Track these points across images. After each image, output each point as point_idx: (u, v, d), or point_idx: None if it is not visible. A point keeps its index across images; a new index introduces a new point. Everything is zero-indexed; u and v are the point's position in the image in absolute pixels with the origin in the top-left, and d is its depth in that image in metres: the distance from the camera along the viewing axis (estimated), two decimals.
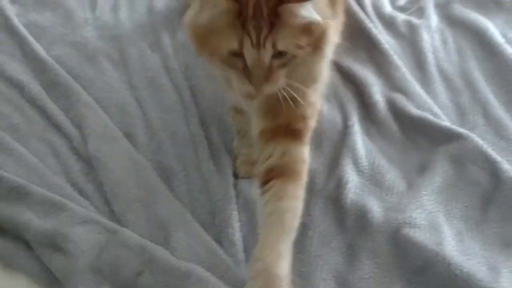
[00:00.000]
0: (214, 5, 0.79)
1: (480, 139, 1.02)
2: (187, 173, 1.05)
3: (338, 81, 1.18)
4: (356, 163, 1.04)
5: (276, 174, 0.88)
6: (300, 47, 0.82)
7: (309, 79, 0.90)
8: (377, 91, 1.17)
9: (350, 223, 0.94)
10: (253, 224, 0.95)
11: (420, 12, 1.39)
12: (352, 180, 1.00)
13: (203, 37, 0.84)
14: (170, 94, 1.22)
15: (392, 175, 1.01)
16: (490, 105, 1.13)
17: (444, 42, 1.31)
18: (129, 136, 1.13)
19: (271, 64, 0.82)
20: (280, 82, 0.84)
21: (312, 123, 0.96)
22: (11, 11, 1.46)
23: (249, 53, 0.80)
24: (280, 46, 0.80)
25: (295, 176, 0.89)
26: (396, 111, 1.12)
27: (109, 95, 1.23)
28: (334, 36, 0.99)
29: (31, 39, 1.36)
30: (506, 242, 0.89)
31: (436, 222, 0.91)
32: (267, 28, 0.79)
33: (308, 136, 0.94)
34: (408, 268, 0.87)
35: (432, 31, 1.33)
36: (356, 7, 1.37)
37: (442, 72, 1.23)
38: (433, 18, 1.37)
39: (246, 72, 0.82)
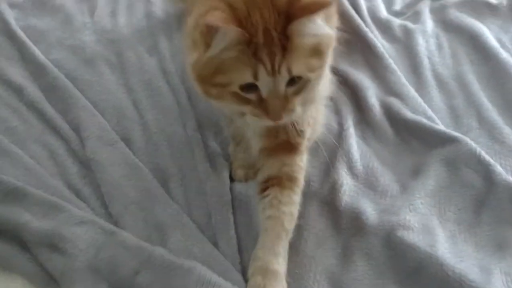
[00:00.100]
0: (223, 38, 0.76)
1: (474, 142, 1.02)
2: (183, 175, 1.06)
3: (334, 85, 1.19)
4: (350, 166, 1.04)
5: (275, 182, 0.95)
6: (312, 69, 0.81)
7: (308, 100, 0.88)
8: (373, 95, 1.18)
9: (345, 225, 0.95)
10: (248, 225, 0.96)
11: (416, 17, 1.41)
12: (347, 183, 1.01)
13: (211, 76, 0.80)
14: (167, 97, 1.23)
15: (386, 178, 1.02)
16: (484, 109, 1.14)
17: (439, 46, 1.32)
18: (126, 139, 1.14)
19: (286, 93, 0.80)
20: (296, 110, 0.83)
21: (310, 134, 0.99)
22: (10, 15, 1.47)
23: (264, 83, 0.78)
24: (295, 70, 0.78)
25: (292, 183, 0.95)
26: (391, 115, 1.13)
27: (106, 98, 1.24)
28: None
29: (29, 42, 1.37)
30: (499, 244, 0.89)
31: (430, 225, 0.91)
32: (280, 53, 0.77)
33: (305, 145, 0.99)
34: (401, 270, 0.87)
35: (427, 35, 1.34)
36: (352, 12, 1.38)
37: (437, 76, 1.24)
38: (429, 23, 1.38)
39: (262, 105, 0.80)
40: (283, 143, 0.97)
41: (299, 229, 0.94)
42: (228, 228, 0.95)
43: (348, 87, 1.21)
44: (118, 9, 1.52)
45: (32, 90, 1.25)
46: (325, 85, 1.00)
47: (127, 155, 1.09)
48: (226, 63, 0.78)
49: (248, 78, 0.78)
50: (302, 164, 0.98)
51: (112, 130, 1.15)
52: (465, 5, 1.42)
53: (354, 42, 1.30)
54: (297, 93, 0.82)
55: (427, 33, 1.35)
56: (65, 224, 0.93)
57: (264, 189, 0.95)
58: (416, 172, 1.01)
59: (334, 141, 1.06)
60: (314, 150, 1.05)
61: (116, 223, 0.97)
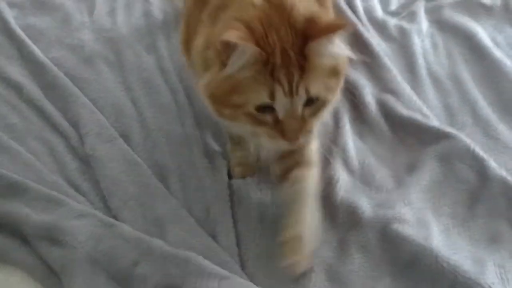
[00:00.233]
0: (240, 56, 0.73)
1: (468, 139, 1.04)
2: (182, 171, 1.07)
3: None
4: (347, 162, 1.06)
5: (293, 167, 0.94)
6: (330, 90, 0.79)
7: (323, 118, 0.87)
8: (368, 93, 1.19)
9: (341, 219, 0.96)
10: (247, 220, 0.98)
11: (411, 16, 1.42)
12: (343, 178, 1.02)
13: (225, 96, 0.78)
14: (165, 95, 1.24)
15: (381, 174, 1.03)
16: (478, 106, 1.15)
17: (434, 45, 1.34)
18: (124, 136, 1.15)
19: (303, 114, 0.78)
20: (314, 131, 0.82)
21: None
22: (9, 14, 1.48)
23: (281, 104, 0.76)
24: (313, 91, 0.77)
25: (309, 164, 0.95)
26: (387, 112, 1.14)
27: (105, 96, 1.25)
28: None
29: (29, 41, 1.38)
30: (492, 237, 0.91)
31: (424, 219, 0.93)
32: (298, 74, 0.75)
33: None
34: (397, 262, 0.89)
35: (422, 35, 1.36)
36: (348, 11, 1.40)
37: (432, 74, 1.26)
38: (424, 23, 1.40)
39: (278, 126, 0.78)
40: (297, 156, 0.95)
41: None
42: (226, 222, 0.97)
43: (344, 86, 1.21)
44: (116, 8, 1.53)
45: (32, 88, 1.26)
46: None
47: (126, 152, 1.10)
48: (242, 83, 0.76)
49: (264, 98, 0.76)
50: (314, 147, 0.97)
51: (111, 127, 1.16)
52: (460, 5, 1.44)
53: (350, 41, 1.31)
54: (314, 114, 0.80)
55: (422, 33, 1.36)
56: (64, 217, 0.95)
57: (284, 175, 0.95)
58: (411, 167, 1.03)
59: (330, 137, 1.08)
60: None
61: (115, 218, 0.98)
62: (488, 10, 1.42)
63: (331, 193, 1.00)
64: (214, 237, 0.95)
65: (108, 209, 1.01)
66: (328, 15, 0.92)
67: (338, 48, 0.78)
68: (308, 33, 0.75)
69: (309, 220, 0.89)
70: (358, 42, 1.31)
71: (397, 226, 0.91)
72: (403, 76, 1.24)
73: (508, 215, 0.93)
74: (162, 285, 0.84)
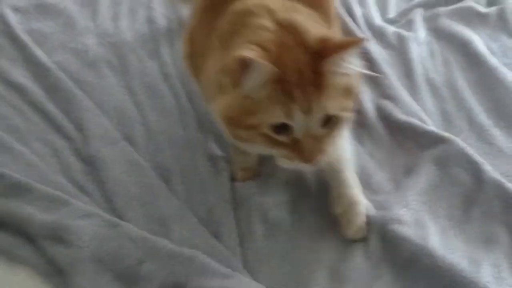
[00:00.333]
0: (256, 75, 0.73)
1: (464, 143, 1.06)
2: (185, 173, 1.09)
3: None
4: None
5: None
6: (345, 109, 0.80)
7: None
8: (367, 99, 1.22)
9: None
10: (248, 221, 1.00)
11: (409, 25, 1.45)
12: None
13: (241, 118, 0.77)
14: (168, 99, 1.26)
15: (380, 177, 1.05)
16: (474, 112, 1.18)
17: (432, 53, 1.36)
18: (128, 138, 1.17)
19: (320, 133, 0.78)
20: (330, 152, 0.82)
21: None
22: (13, 18, 1.51)
23: (298, 123, 0.76)
24: (330, 109, 0.76)
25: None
26: (385, 117, 1.16)
27: (108, 99, 1.27)
28: None
29: (32, 45, 1.41)
30: (487, 238, 0.93)
31: (421, 220, 0.95)
32: (314, 92, 0.75)
33: None
34: (397, 261, 0.91)
35: (420, 42, 1.39)
36: (347, 19, 1.43)
37: (429, 81, 1.28)
38: (421, 31, 1.42)
39: (295, 147, 0.78)
40: None
41: (298, 223, 0.99)
42: (229, 222, 0.99)
43: None
44: (120, 13, 1.56)
45: (35, 91, 1.28)
46: None
47: (129, 153, 1.12)
48: (258, 103, 0.76)
49: (281, 117, 0.75)
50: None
51: (114, 130, 1.18)
52: (456, 14, 1.46)
53: None
54: (330, 133, 0.80)
55: (419, 41, 1.39)
56: (69, 217, 0.96)
57: None
58: (409, 170, 1.05)
59: None
60: None
61: (119, 218, 1.00)
62: (483, 19, 1.44)
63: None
64: (217, 237, 0.97)
65: (112, 210, 1.02)
66: (339, 37, 0.95)
67: (353, 66, 0.78)
68: (322, 52, 0.75)
69: (356, 186, 0.97)
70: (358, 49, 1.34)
71: (396, 227, 0.93)
72: (401, 82, 1.26)
73: (503, 217, 0.95)
74: (167, 283, 0.86)
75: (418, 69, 1.30)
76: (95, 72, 1.35)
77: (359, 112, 1.19)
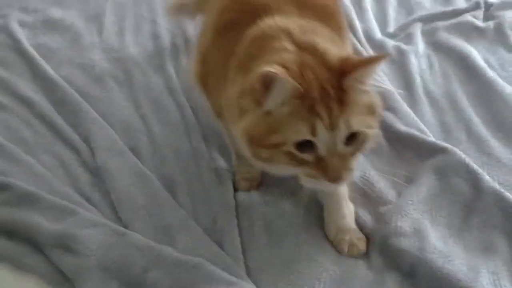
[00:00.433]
0: (279, 91, 0.73)
1: (463, 153, 1.08)
2: (189, 184, 1.11)
3: None
4: None
5: None
6: (369, 127, 0.78)
7: None
8: None
9: None
10: (251, 230, 1.02)
11: (409, 38, 1.48)
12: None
13: (263, 136, 0.76)
14: (173, 113, 1.29)
15: (381, 187, 1.07)
16: (472, 123, 1.20)
17: (431, 66, 1.39)
18: (134, 150, 1.19)
19: (345, 151, 0.77)
20: (355, 171, 0.80)
21: None
22: (21, 34, 1.55)
23: (322, 139, 0.74)
24: (354, 125, 0.75)
25: None
26: (386, 128, 1.18)
27: (115, 112, 1.30)
28: None
29: (40, 60, 1.44)
30: (486, 246, 0.94)
31: (421, 229, 0.96)
32: (337, 108, 0.74)
33: None
34: (397, 271, 0.92)
35: (419, 56, 1.42)
36: (348, 33, 1.46)
37: (428, 93, 1.31)
38: (420, 44, 1.46)
39: (320, 165, 0.76)
40: None
41: (301, 232, 1.00)
42: (232, 231, 1.00)
43: None
44: (125, 29, 1.59)
45: (43, 104, 1.31)
46: None
47: (135, 164, 1.15)
48: (281, 120, 0.75)
49: (305, 134, 0.74)
50: None
51: (120, 142, 1.20)
52: (454, 28, 1.50)
53: None
54: (355, 152, 0.79)
55: (419, 54, 1.42)
56: (76, 226, 0.98)
57: None
58: (409, 180, 1.06)
59: None
60: None
61: (125, 227, 1.02)
62: (481, 32, 1.48)
63: None
64: (220, 245, 0.98)
65: (118, 220, 1.04)
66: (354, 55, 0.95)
67: (375, 82, 0.78)
68: (344, 69, 0.75)
69: (349, 214, 0.99)
70: None
71: (393, 240, 0.95)
72: (401, 94, 1.29)
73: (502, 226, 0.97)
74: None
75: (418, 81, 1.33)
76: (102, 86, 1.39)
77: None
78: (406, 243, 0.94)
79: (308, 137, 0.75)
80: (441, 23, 1.52)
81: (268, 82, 0.73)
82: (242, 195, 1.08)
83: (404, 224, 0.97)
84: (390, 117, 1.21)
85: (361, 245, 0.97)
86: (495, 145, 1.14)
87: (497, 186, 1.02)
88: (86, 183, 1.13)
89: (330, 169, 0.76)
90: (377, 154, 1.15)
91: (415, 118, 1.21)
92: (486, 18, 1.54)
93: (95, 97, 1.34)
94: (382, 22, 1.58)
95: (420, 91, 1.31)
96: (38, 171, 1.13)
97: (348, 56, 0.79)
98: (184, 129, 1.24)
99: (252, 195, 1.08)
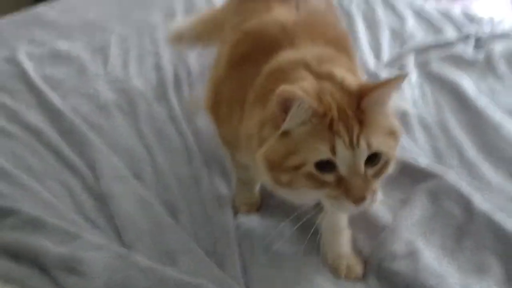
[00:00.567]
0: (298, 110, 0.73)
1: (455, 178, 1.12)
2: (191, 208, 1.14)
3: None
4: None
5: None
6: (391, 149, 0.77)
7: None
8: None
9: None
10: (251, 252, 1.05)
11: (402, 68, 1.53)
12: None
13: (283, 159, 0.76)
14: (175, 141, 1.34)
15: (376, 210, 1.10)
16: (464, 150, 1.24)
17: (423, 95, 1.44)
18: (137, 176, 1.23)
19: (366, 173, 0.76)
20: (379, 195, 0.79)
21: None
22: (29, 65, 1.60)
23: (343, 158, 0.73)
24: (375, 145, 0.74)
25: None
26: None
27: (119, 141, 1.34)
28: None
29: (47, 90, 1.49)
30: (479, 267, 0.97)
31: (415, 251, 0.99)
32: (357, 127, 0.74)
33: None
34: None
35: (412, 85, 1.47)
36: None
37: (421, 121, 1.35)
38: (414, 74, 1.51)
39: (341, 186, 0.75)
40: None
41: (301, 254, 1.03)
42: (232, 254, 1.03)
43: None
44: (129, 61, 1.65)
45: (50, 133, 1.35)
46: None
47: (138, 190, 1.18)
48: (300, 141, 0.75)
49: (325, 153, 0.73)
50: None
51: (124, 169, 1.24)
52: (446, 59, 1.56)
53: None
54: (377, 174, 0.78)
55: (412, 83, 1.47)
56: (81, 249, 1.01)
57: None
58: (404, 203, 1.10)
59: None
60: None
61: (129, 250, 1.04)
62: (472, 63, 1.54)
63: None
64: (221, 268, 1.01)
65: (122, 243, 1.07)
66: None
67: (394, 104, 0.78)
68: (363, 92, 0.75)
69: (346, 242, 1.02)
70: None
71: (389, 263, 0.98)
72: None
73: (494, 248, 1.00)
74: None
75: (411, 110, 1.38)
76: (106, 116, 1.43)
77: None
78: (401, 265, 0.97)
79: (328, 156, 0.74)
80: (433, 54, 1.58)
81: (286, 102, 0.73)
82: (242, 219, 1.12)
83: (398, 247, 1.00)
84: None
85: (358, 269, 1.00)
86: (486, 170, 1.18)
87: (489, 209, 1.05)
88: (90, 208, 1.16)
89: (352, 189, 0.75)
90: None
91: (409, 144, 1.25)
92: (477, 49, 1.60)
93: (100, 126, 1.39)
94: (376, 52, 1.64)
95: (413, 119, 1.35)
96: (44, 197, 1.16)
97: (364, 83, 0.80)
98: (186, 156, 1.28)
99: (252, 219, 1.12)
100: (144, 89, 1.53)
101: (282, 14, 1.02)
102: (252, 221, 1.11)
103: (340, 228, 1.03)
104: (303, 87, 0.76)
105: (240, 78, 0.94)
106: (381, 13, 1.84)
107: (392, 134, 0.79)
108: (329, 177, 0.75)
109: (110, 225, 1.12)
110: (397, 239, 1.02)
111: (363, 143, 0.74)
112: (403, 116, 1.36)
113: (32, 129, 1.37)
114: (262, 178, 0.86)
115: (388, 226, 1.07)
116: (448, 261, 0.98)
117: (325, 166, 0.75)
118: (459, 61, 1.55)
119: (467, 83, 1.45)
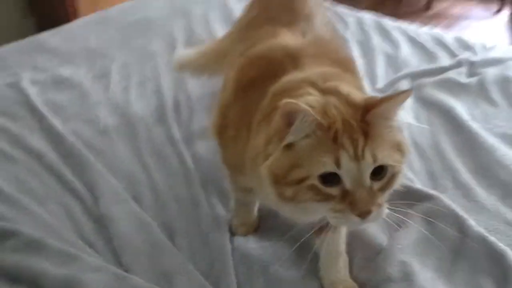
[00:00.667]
0: (302, 123, 0.73)
1: (449, 200, 1.13)
2: (188, 230, 1.16)
3: None
4: None
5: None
6: (397, 162, 0.77)
7: None
8: None
9: None
10: (248, 273, 1.05)
11: None
12: None
13: (287, 172, 0.75)
14: (174, 163, 1.36)
15: (372, 231, 1.12)
16: (458, 172, 1.26)
17: (418, 119, 1.47)
18: (136, 199, 1.25)
19: (372, 187, 0.75)
20: (385, 209, 0.78)
21: None
22: (32, 90, 1.63)
23: (348, 171, 0.73)
24: (381, 158, 0.73)
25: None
26: None
27: (118, 164, 1.36)
28: None
29: (49, 115, 1.52)
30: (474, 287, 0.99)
31: (410, 273, 1.00)
32: (362, 139, 0.73)
33: None
34: None
35: (407, 110, 1.50)
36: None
37: (416, 144, 1.37)
38: (408, 99, 1.53)
39: (346, 199, 0.74)
40: None
41: (298, 277, 1.04)
42: (229, 275, 1.04)
43: None
44: (130, 86, 1.69)
45: (51, 157, 1.37)
46: None
47: (136, 212, 1.20)
48: (304, 153, 0.74)
49: (329, 165, 0.72)
50: None
51: (123, 191, 1.26)
52: (440, 84, 1.59)
53: None
54: (383, 188, 0.77)
55: (406, 108, 1.50)
56: (80, 271, 1.01)
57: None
58: (399, 226, 1.11)
59: None
60: None
61: (126, 271, 1.05)
62: (465, 88, 1.57)
63: None
64: None
65: (120, 265, 1.08)
66: None
67: (400, 118, 0.78)
68: (368, 105, 0.75)
69: (343, 268, 1.02)
70: None
71: (384, 287, 0.99)
72: None
73: (488, 269, 1.01)
74: None
75: (406, 133, 1.40)
76: (107, 140, 1.46)
77: None
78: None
79: (332, 169, 0.73)
80: (427, 80, 1.62)
81: (289, 116, 0.74)
82: (239, 240, 1.13)
83: (393, 269, 1.01)
84: None
85: None
86: (480, 192, 1.20)
87: (483, 231, 1.07)
88: (90, 230, 1.17)
89: (357, 202, 0.73)
90: None
91: (404, 167, 1.27)
92: (469, 74, 1.64)
93: (100, 149, 1.41)
94: (371, 78, 1.67)
95: (408, 142, 1.37)
96: (45, 219, 1.18)
97: (370, 97, 0.80)
98: (184, 177, 1.30)
99: (249, 240, 1.13)
100: (144, 114, 1.56)
101: (288, 40, 1.05)
102: (249, 243, 1.12)
103: (338, 253, 1.04)
104: (307, 101, 0.77)
105: (246, 102, 0.95)
106: (376, 40, 1.88)
107: (399, 148, 0.78)
108: (334, 191, 0.75)
109: (109, 247, 1.13)
110: (392, 261, 1.03)
111: (368, 156, 0.73)
112: None
113: (33, 153, 1.39)
114: (266, 198, 0.87)
115: (384, 248, 1.08)
116: (443, 283, 0.99)
117: (330, 179, 0.74)
118: (453, 86, 1.58)
119: (461, 107, 1.48)
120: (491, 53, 1.74)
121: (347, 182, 0.74)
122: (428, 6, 3.78)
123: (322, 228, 0.96)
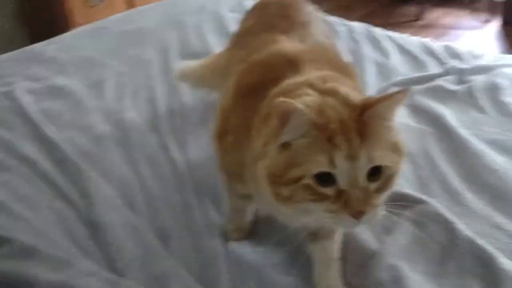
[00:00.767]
0: (297, 122, 0.74)
1: (439, 204, 1.15)
2: (181, 235, 1.17)
3: None
4: None
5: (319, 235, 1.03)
6: (394, 163, 0.77)
7: None
8: None
9: None
10: (242, 278, 1.06)
11: None
12: None
13: (283, 172, 0.76)
14: (166, 169, 1.37)
15: (362, 237, 1.13)
16: (447, 178, 1.28)
17: (408, 126, 1.48)
18: (129, 205, 1.25)
19: (368, 187, 0.75)
20: (380, 210, 0.78)
21: None
22: (27, 99, 1.65)
23: (342, 170, 0.73)
24: (377, 158, 0.74)
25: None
26: None
27: (112, 170, 1.37)
28: None
29: (44, 123, 1.53)
30: None
31: (400, 276, 1.01)
32: (358, 139, 0.73)
33: None
34: None
35: (397, 117, 1.51)
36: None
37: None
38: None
39: (341, 198, 0.74)
40: None
41: (292, 282, 1.05)
42: (222, 279, 1.05)
43: None
44: (124, 94, 1.71)
45: (44, 163, 1.38)
46: None
47: (129, 218, 1.20)
48: (300, 153, 0.75)
49: (324, 165, 0.73)
50: None
51: (116, 197, 1.27)
52: (429, 91, 1.61)
53: None
54: (380, 189, 0.77)
55: (397, 115, 1.52)
56: (74, 276, 1.02)
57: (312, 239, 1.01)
58: (389, 230, 1.13)
59: None
60: None
61: (120, 277, 1.06)
62: (454, 95, 1.59)
63: None
64: None
65: (113, 270, 1.08)
66: None
67: (397, 118, 0.78)
68: (366, 105, 0.76)
69: (336, 277, 1.03)
70: None
71: None
72: None
73: (476, 272, 1.02)
74: None
75: (403, 134, 1.42)
76: (100, 147, 1.47)
77: None
78: None
79: (327, 168, 0.73)
80: (417, 87, 1.64)
81: (284, 115, 0.74)
82: (232, 245, 1.13)
83: (384, 274, 1.02)
84: None
85: None
86: (469, 196, 1.22)
87: (471, 235, 1.08)
88: (83, 236, 1.18)
89: (351, 202, 0.73)
90: None
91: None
92: (458, 82, 1.66)
93: (93, 156, 1.42)
94: (362, 86, 1.69)
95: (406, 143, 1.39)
96: (38, 226, 1.18)
97: (368, 97, 0.81)
98: (177, 183, 1.31)
99: (242, 245, 1.14)
100: (137, 122, 1.57)
101: (287, 46, 1.07)
102: (243, 248, 1.13)
103: (330, 260, 1.05)
104: (304, 101, 0.77)
105: (247, 107, 0.96)
106: (366, 48, 1.91)
107: (396, 149, 0.79)
108: (329, 191, 0.75)
109: (102, 252, 1.13)
110: (383, 265, 1.04)
111: (363, 156, 0.73)
112: None
113: (27, 160, 1.39)
114: (263, 203, 0.88)
115: (374, 253, 1.09)
116: (432, 286, 1.00)
117: (325, 179, 0.74)
118: (442, 94, 1.60)
119: (450, 114, 1.50)
120: (480, 61, 1.77)
121: (342, 182, 0.74)
122: (419, 16, 3.84)
123: (316, 234, 0.99)
